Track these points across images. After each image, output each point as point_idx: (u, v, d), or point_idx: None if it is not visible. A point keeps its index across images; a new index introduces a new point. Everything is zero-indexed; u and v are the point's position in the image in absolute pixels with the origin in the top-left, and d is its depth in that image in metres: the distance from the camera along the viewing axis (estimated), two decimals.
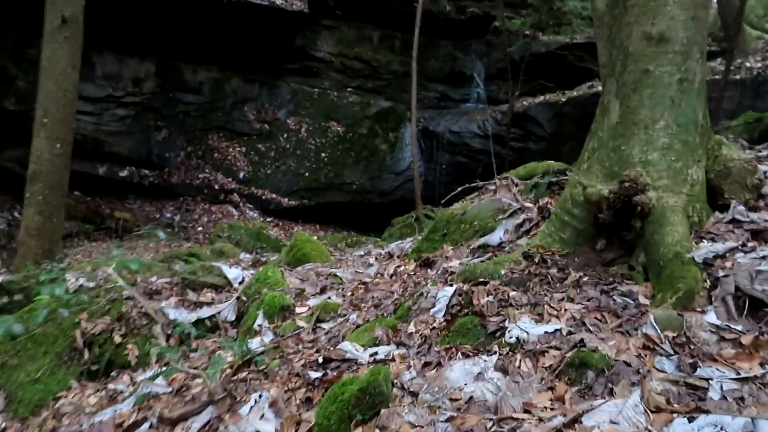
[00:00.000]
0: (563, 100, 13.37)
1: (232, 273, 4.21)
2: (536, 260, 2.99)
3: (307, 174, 15.46)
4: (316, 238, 13.93)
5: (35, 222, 6.35)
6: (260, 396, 2.46)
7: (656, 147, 2.88)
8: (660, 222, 2.74)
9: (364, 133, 16.14)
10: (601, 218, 2.91)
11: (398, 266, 4.17)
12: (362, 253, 5.19)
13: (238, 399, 2.52)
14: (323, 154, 15.70)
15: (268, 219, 14.75)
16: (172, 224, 13.63)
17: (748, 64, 10.45)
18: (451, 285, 3.00)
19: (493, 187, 4.32)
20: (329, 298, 3.67)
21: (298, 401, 2.39)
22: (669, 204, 2.79)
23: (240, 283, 4.11)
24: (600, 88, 12.24)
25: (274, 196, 15.05)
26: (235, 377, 2.74)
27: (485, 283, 2.85)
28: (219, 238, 12.78)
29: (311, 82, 16.69)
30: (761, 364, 1.92)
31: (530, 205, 3.85)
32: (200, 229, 13.65)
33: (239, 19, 14.56)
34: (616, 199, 2.79)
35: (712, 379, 1.87)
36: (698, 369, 1.97)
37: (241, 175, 15.14)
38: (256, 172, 15.27)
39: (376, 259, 4.73)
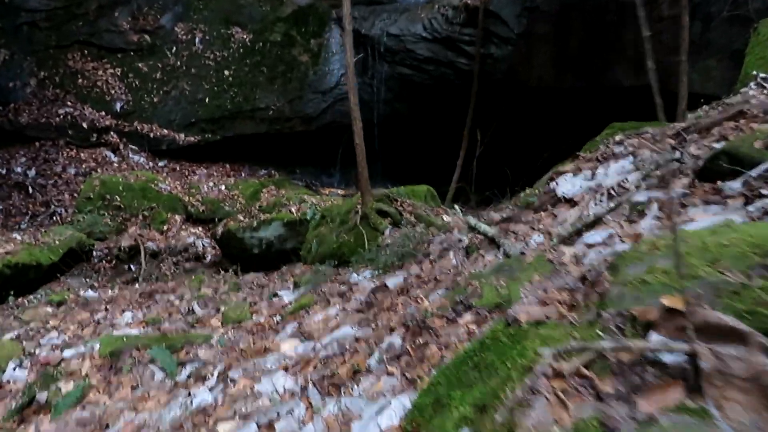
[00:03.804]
0: None
1: None
2: None
3: (207, 99, 11.93)
4: (224, 187, 10.77)
5: None
6: None
7: None
8: None
9: (278, 41, 12.55)
10: None
11: None
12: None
13: None
14: (226, 72, 12.12)
15: (161, 163, 11.35)
16: (23, 183, 10.07)
17: None
18: None
19: None
20: None
21: None
22: None
23: None
24: None
25: (165, 131, 11.54)
26: None
27: None
28: (87, 202, 9.43)
29: None
30: None
31: None
32: (63, 187, 10.18)
33: None
34: None
35: None
36: None
37: (118, 106, 11.46)
38: (139, 101, 11.60)
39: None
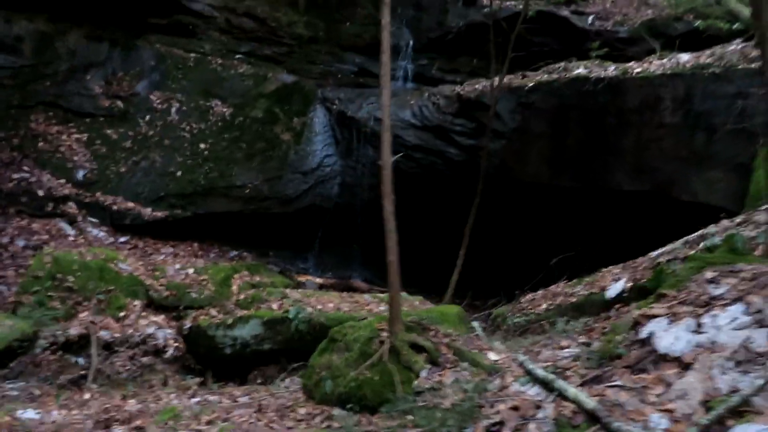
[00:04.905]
0: (530, 85, 10.10)
1: None
2: None
3: (179, 173, 11.12)
4: (192, 270, 9.82)
5: None
6: None
7: None
8: None
9: (260, 118, 12.01)
10: None
11: None
12: None
13: None
14: (202, 146, 11.42)
15: (122, 240, 10.34)
16: None
17: None
18: None
19: None
20: None
21: None
22: None
23: None
24: (581, 71, 8.95)
25: (130, 205, 10.61)
26: None
27: None
28: (35, 281, 8.32)
29: (185, 44, 12.25)
30: None
31: None
32: (9, 261, 9.06)
33: None
34: None
35: None
36: None
37: (81, 174, 10.54)
38: (104, 170, 10.72)
39: None
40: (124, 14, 11.56)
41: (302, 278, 10.95)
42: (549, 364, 3.31)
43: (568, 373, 3.03)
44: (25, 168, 10.26)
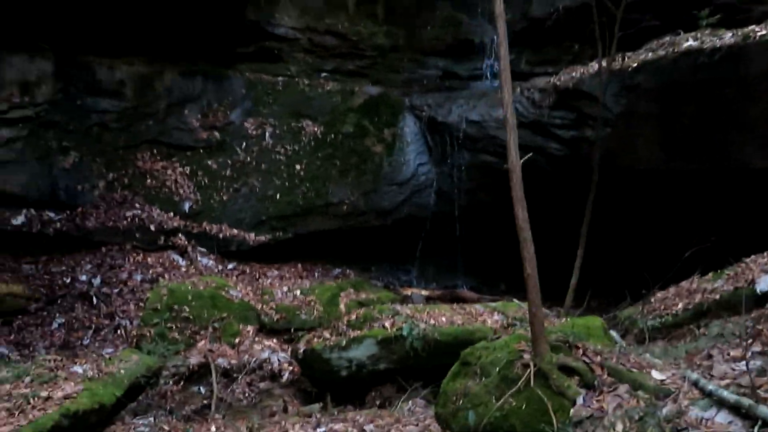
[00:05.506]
0: (633, 65, 9.33)
1: None
2: None
3: (278, 196, 11.25)
4: (300, 292, 9.83)
5: None
6: None
7: None
8: None
9: (350, 133, 11.96)
10: None
11: None
12: None
13: None
14: (297, 167, 11.50)
15: (230, 266, 10.57)
16: (87, 293, 9.39)
17: None
18: None
19: None
20: None
21: None
22: None
23: None
24: (691, 43, 8.00)
25: (235, 231, 10.85)
26: None
27: None
28: (154, 314, 8.60)
29: (272, 68, 12.43)
30: None
31: None
32: (129, 296, 9.44)
33: None
34: None
35: None
36: None
37: (186, 206, 10.90)
38: (207, 199, 11.03)
39: None
40: (214, 47, 11.90)
41: (408, 291, 10.73)
42: (728, 381, 2.81)
43: (761, 393, 2.53)
44: (137, 205, 10.73)
